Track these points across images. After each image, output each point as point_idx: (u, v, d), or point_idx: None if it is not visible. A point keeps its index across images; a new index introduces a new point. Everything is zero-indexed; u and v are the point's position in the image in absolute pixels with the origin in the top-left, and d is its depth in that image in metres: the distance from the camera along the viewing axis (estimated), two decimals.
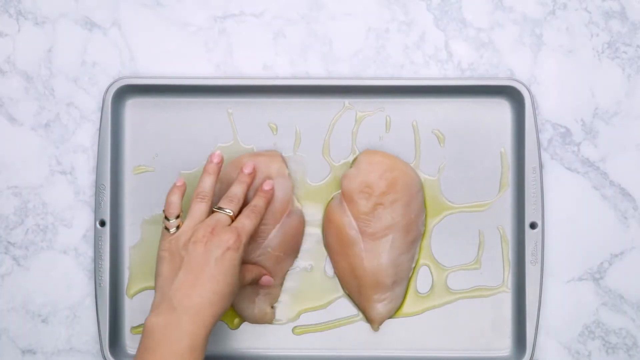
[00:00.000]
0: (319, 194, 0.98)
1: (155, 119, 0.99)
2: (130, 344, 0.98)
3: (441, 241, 0.98)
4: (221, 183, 0.96)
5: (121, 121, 0.98)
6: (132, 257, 0.98)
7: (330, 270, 0.98)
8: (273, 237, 0.95)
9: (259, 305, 0.96)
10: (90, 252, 0.99)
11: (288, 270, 0.98)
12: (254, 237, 0.94)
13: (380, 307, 0.95)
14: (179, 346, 0.81)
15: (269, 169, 0.95)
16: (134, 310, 0.98)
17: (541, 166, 0.97)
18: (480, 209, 0.98)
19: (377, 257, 0.94)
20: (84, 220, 0.99)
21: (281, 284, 0.98)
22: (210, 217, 0.88)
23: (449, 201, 0.98)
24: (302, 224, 0.97)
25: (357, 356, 0.97)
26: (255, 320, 0.97)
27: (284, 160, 0.98)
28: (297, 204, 0.98)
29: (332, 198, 0.98)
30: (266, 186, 0.93)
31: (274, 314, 0.97)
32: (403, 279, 0.96)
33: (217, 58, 0.99)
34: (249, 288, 0.95)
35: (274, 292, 0.97)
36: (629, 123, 0.99)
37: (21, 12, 1.00)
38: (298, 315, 0.98)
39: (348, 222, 0.95)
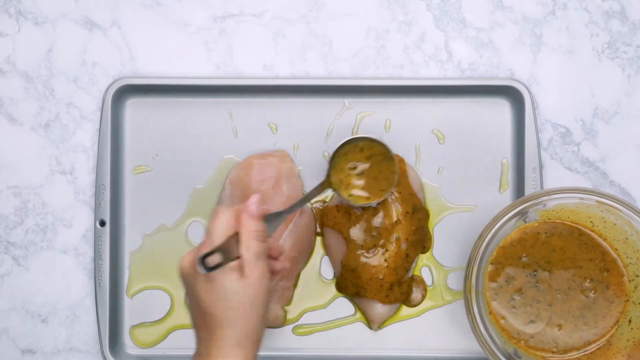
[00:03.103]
0: None
1: (155, 119, 0.99)
2: (130, 343, 0.98)
3: (441, 241, 0.98)
4: (232, 184, 0.95)
5: (121, 121, 0.98)
6: (132, 257, 0.98)
7: (329, 270, 0.98)
8: (287, 237, 0.95)
9: (271, 307, 0.96)
10: (90, 252, 0.99)
11: (301, 271, 0.98)
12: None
13: (379, 307, 0.95)
14: None
15: (280, 169, 0.95)
16: (134, 310, 0.98)
17: (541, 166, 0.97)
18: (480, 209, 0.97)
19: (375, 256, 0.94)
20: (84, 220, 0.99)
21: (295, 285, 0.97)
22: None
23: (449, 201, 0.98)
24: (313, 223, 0.97)
25: (357, 356, 0.97)
26: (267, 324, 0.96)
27: (292, 159, 0.98)
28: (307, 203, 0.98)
29: (332, 197, 0.98)
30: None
31: (285, 316, 0.97)
32: (401, 278, 0.96)
33: (217, 58, 0.99)
34: None
35: (286, 294, 0.97)
36: (629, 123, 0.99)
37: (21, 12, 1.00)
38: (300, 316, 0.98)
39: (347, 222, 0.95)
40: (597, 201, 0.86)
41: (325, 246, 0.98)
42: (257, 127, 0.99)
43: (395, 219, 0.93)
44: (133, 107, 0.99)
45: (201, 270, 0.77)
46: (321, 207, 0.97)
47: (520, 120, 0.97)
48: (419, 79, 0.98)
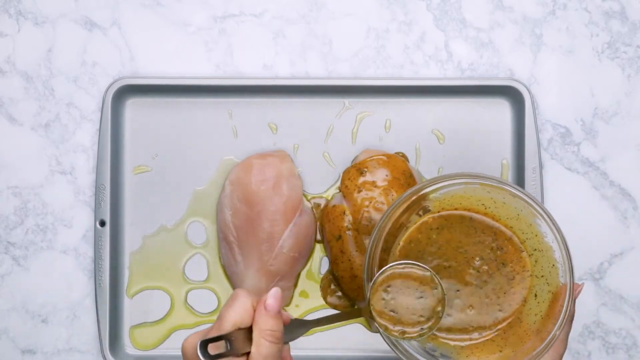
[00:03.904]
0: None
1: (155, 119, 0.99)
2: (130, 344, 0.98)
3: None
4: (232, 184, 0.95)
5: (121, 121, 0.98)
6: (132, 258, 0.98)
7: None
8: (287, 237, 0.95)
9: None
10: (90, 252, 0.99)
11: (301, 271, 0.98)
12: (266, 238, 0.94)
13: None
14: None
15: (280, 169, 0.95)
16: (134, 310, 0.98)
17: (541, 166, 0.97)
18: None
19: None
20: (84, 220, 0.99)
21: (295, 285, 0.97)
22: None
23: None
24: (313, 223, 0.97)
25: (357, 356, 0.97)
26: None
27: (292, 159, 0.98)
28: (306, 202, 0.98)
29: (332, 197, 0.98)
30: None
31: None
32: None
33: (217, 58, 0.99)
34: (262, 290, 0.95)
35: (286, 294, 0.97)
36: (629, 123, 0.99)
37: (21, 12, 1.00)
38: (302, 317, 0.98)
39: (347, 222, 0.95)
40: (479, 183, 0.84)
41: (325, 245, 0.97)
42: (257, 127, 0.99)
43: None
44: (133, 107, 0.99)
45: (202, 356, 0.69)
46: (322, 204, 0.98)
47: (520, 120, 0.97)
48: (419, 79, 0.98)
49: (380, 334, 0.82)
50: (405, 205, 0.84)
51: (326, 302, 0.98)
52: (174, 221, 0.98)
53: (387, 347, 0.97)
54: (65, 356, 0.99)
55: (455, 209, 0.88)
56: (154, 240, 0.98)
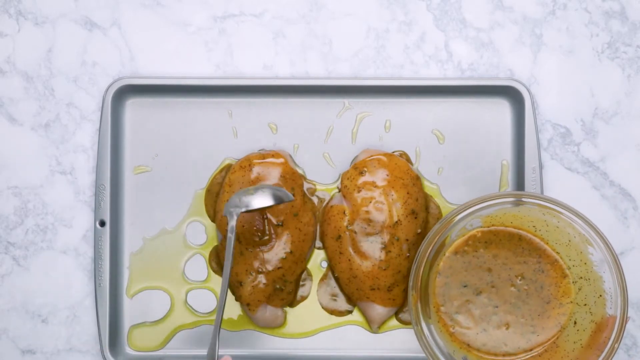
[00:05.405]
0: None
1: (155, 119, 0.99)
2: (129, 345, 0.98)
3: None
4: (231, 185, 0.95)
5: (121, 121, 0.98)
6: (132, 258, 0.98)
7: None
8: (288, 238, 0.95)
9: (271, 308, 0.96)
10: (90, 252, 0.99)
11: (303, 272, 0.98)
12: (269, 240, 0.94)
13: (379, 307, 0.95)
14: None
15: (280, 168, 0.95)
16: (134, 310, 0.98)
17: (541, 166, 0.97)
18: None
19: (375, 257, 0.94)
20: (84, 220, 0.99)
21: (296, 286, 0.97)
22: None
23: (449, 202, 0.98)
24: (314, 223, 0.97)
25: (357, 356, 0.97)
26: (266, 324, 0.96)
27: (292, 159, 0.98)
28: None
29: (331, 198, 0.98)
30: None
31: (285, 316, 0.97)
32: (402, 280, 0.96)
33: (217, 58, 0.99)
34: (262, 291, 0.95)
35: (288, 296, 0.97)
36: (629, 123, 0.99)
37: (21, 12, 1.00)
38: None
39: (347, 222, 0.95)
40: (537, 204, 0.85)
41: (324, 246, 0.97)
42: (257, 127, 0.99)
43: (395, 219, 0.93)
44: (133, 107, 0.99)
45: None
46: (325, 199, 0.97)
47: (520, 121, 0.97)
48: (419, 79, 0.98)
49: (415, 333, 0.86)
50: (450, 225, 0.85)
51: (322, 307, 0.97)
52: (175, 222, 0.98)
53: (387, 347, 0.97)
54: (65, 356, 0.99)
55: (505, 227, 0.89)
56: (154, 241, 0.98)
